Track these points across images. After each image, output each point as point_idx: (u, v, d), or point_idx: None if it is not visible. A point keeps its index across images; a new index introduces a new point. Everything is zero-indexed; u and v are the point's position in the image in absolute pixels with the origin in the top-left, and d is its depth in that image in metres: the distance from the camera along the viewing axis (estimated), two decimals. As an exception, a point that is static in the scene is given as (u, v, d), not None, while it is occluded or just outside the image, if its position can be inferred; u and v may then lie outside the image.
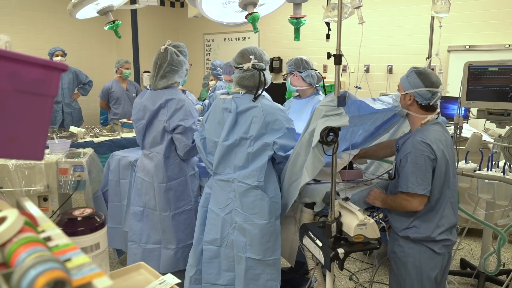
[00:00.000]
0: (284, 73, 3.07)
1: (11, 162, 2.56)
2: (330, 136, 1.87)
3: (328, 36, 2.10)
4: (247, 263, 2.17)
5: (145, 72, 5.87)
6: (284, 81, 3.10)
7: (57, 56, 4.94)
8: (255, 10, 2.07)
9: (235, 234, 2.21)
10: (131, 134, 3.93)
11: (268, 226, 2.16)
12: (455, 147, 2.65)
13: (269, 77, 2.27)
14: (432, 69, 2.38)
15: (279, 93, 3.13)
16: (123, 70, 5.05)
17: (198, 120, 2.63)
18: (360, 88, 2.40)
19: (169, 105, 2.50)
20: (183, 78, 2.64)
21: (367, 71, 5.66)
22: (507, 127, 2.44)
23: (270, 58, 6.17)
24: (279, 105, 2.27)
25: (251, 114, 2.17)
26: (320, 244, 1.91)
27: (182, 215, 2.61)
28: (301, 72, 2.92)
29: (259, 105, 2.17)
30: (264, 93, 2.82)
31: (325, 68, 6.03)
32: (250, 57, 2.21)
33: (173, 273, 1.16)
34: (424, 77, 2.00)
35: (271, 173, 2.22)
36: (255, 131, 2.15)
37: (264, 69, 2.25)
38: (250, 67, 2.20)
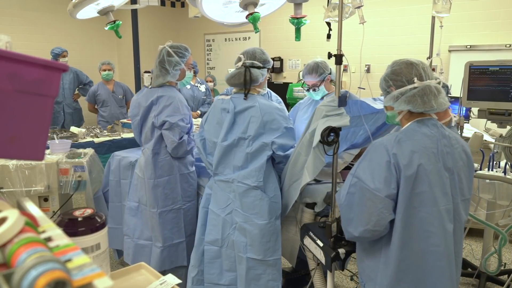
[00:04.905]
0: (300, 79, 2.87)
1: (11, 163, 2.56)
2: (331, 136, 1.87)
3: (329, 36, 2.10)
4: (248, 263, 2.17)
5: (145, 72, 5.85)
6: (302, 88, 2.81)
7: (63, 57, 4.93)
8: (255, 10, 2.07)
9: (235, 235, 2.21)
10: (132, 135, 3.93)
11: (268, 226, 2.16)
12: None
13: (259, 73, 2.23)
14: (433, 69, 2.38)
15: (279, 93, 3.12)
16: (101, 72, 5.01)
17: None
18: (364, 89, 2.35)
19: (159, 101, 2.53)
20: (176, 78, 2.61)
21: (368, 71, 5.65)
22: (508, 127, 2.44)
23: (271, 58, 6.16)
24: (277, 104, 2.27)
25: (249, 114, 2.17)
26: (321, 244, 1.91)
27: (169, 213, 2.60)
28: (330, 74, 2.71)
29: (256, 104, 2.17)
30: (273, 93, 2.79)
31: (325, 68, 6.02)
32: (240, 56, 2.23)
33: (174, 270, 1.15)
34: None
35: (271, 173, 2.22)
36: (253, 131, 2.15)
37: (253, 66, 2.21)
38: (240, 66, 2.21)
